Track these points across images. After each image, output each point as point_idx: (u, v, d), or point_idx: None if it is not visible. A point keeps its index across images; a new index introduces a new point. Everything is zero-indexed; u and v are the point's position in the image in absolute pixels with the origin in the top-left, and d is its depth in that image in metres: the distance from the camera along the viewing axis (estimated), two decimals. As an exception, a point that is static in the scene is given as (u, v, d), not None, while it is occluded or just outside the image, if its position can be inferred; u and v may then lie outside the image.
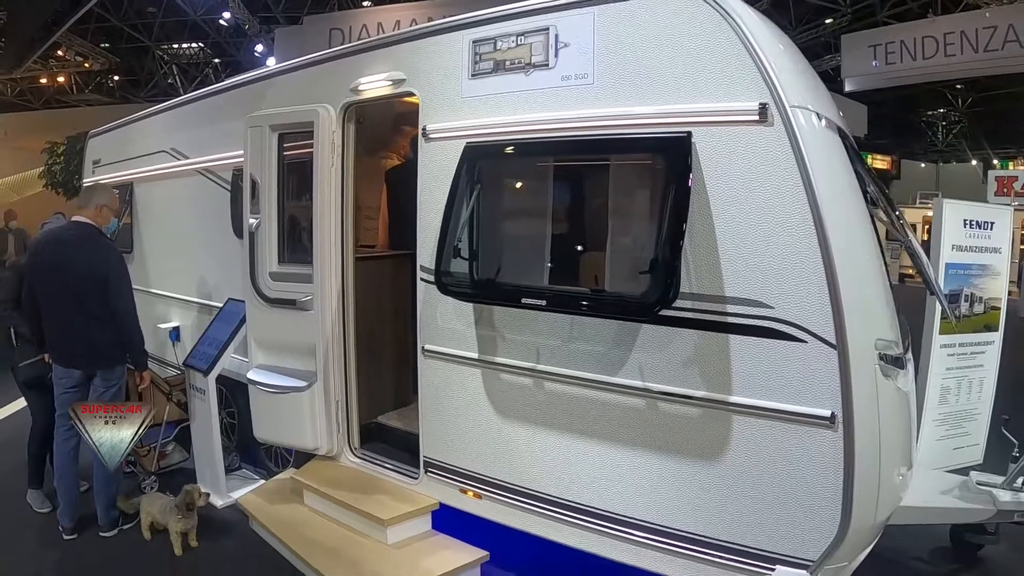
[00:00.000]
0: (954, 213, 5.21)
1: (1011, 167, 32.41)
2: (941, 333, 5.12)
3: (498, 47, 3.36)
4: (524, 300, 3.15)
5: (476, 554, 3.72)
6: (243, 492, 4.69)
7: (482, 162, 3.41)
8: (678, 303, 2.83)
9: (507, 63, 3.35)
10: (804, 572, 2.81)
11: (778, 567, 2.85)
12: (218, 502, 4.67)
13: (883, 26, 18.54)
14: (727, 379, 2.84)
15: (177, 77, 26.14)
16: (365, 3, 20.70)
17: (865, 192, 3.06)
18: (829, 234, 2.61)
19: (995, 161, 34.44)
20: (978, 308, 5.36)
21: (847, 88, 19.22)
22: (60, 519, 4.29)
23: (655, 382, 2.99)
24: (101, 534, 4.27)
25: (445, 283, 3.42)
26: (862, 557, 3.10)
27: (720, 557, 2.96)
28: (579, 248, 3.51)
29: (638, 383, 3.03)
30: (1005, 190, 29.76)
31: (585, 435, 3.23)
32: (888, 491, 2.90)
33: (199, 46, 24.76)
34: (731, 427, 2.86)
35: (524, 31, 3.28)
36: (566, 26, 3.17)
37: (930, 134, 35.56)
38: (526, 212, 3.68)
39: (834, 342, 2.63)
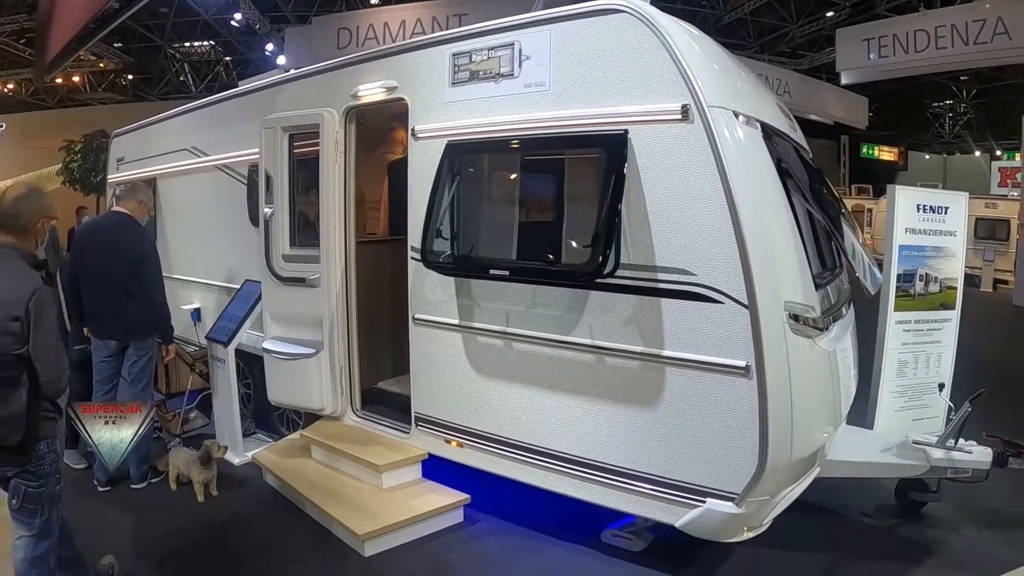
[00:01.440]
0: (907, 198, 5.62)
1: (1017, 158, 32.45)
2: (896, 310, 5.52)
3: (473, 59, 3.95)
4: (491, 271, 3.75)
5: (458, 496, 4.29)
6: (256, 451, 5.28)
7: (460, 157, 4.01)
8: (619, 272, 3.40)
9: (480, 73, 3.93)
10: (731, 504, 3.32)
11: (708, 499, 3.37)
12: (235, 460, 5.26)
13: (881, 19, 18.89)
14: (660, 336, 3.40)
15: (189, 75, 26.70)
16: (373, 1, 21.20)
17: (786, 179, 3.58)
18: (740, 213, 3.15)
19: (999, 152, 34.47)
20: (933, 287, 5.72)
21: (843, 81, 19.54)
22: (96, 473, 4.84)
23: (602, 340, 3.57)
24: (132, 486, 4.81)
25: (429, 260, 4.02)
26: (787, 496, 3.60)
27: (662, 491, 3.50)
28: (540, 227, 4.08)
29: (588, 341, 3.61)
30: (1009, 181, 29.89)
31: (546, 387, 3.81)
32: (803, 434, 3.40)
33: (210, 44, 25.30)
34: (664, 377, 3.42)
35: (494, 46, 3.87)
36: (528, 41, 3.76)
37: (936, 126, 35.57)
38: (496, 198, 4.27)
39: (746, 303, 3.17)
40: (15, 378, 2.69)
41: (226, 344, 5.19)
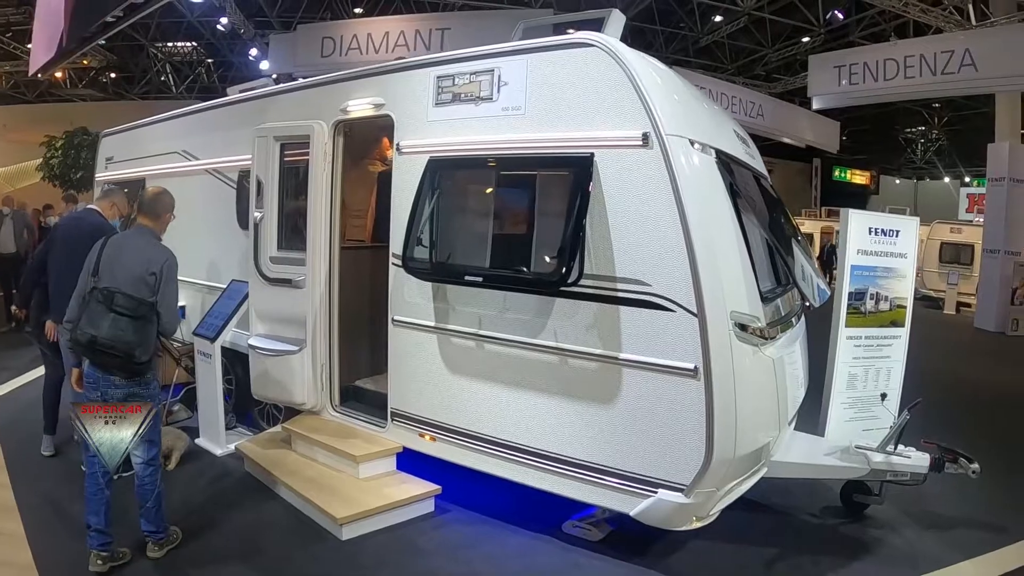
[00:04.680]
0: (859, 221, 5.99)
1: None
2: (847, 326, 5.87)
3: (456, 82, 4.30)
4: (467, 278, 4.09)
5: (430, 487, 4.60)
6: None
7: (441, 172, 4.34)
8: (582, 281, 3.74)
9: (462, 95, 4.29)
10: (680, 494, 3.66)
11: (660, 490, 3.71)
12: (218, 451, 5.52)
13: (854, 47, 19.55)
14: (618, 340, 3.75)
15: (170, 75, 26.82)
16: (357, 10, 21.52)
17: (737, 202, 3.94)
18: (692, 231, 3.52)
19: (967, 179, 35.37)
20: (884, 306, 6.05)
21: (815, 106, 20.08)
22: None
23: (566, 343, 3.91)
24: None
25: (410, 266, 4.33)
26: (734, 490, 3.93)
27: (619, 483, 3.83)
28: (512, 239, 4.39)
29: (553, 343, 3.95)
30: (976, 207, 30.72)
31: (514, 385, 4.14)
32: (746, 432, 3.72)
33: (193, 46, 25.45)
34: (621, 377, 3.77)
35: (476, 71, 4.23)
36: (507, 69, 4.12)
37: (908, 151, 36.41)
38: (473, 211, 4.60)
39: (695, 311, 3.53)
40: (150, 316, 3.75)
41: (213, 340, 5.45)
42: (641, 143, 3.63)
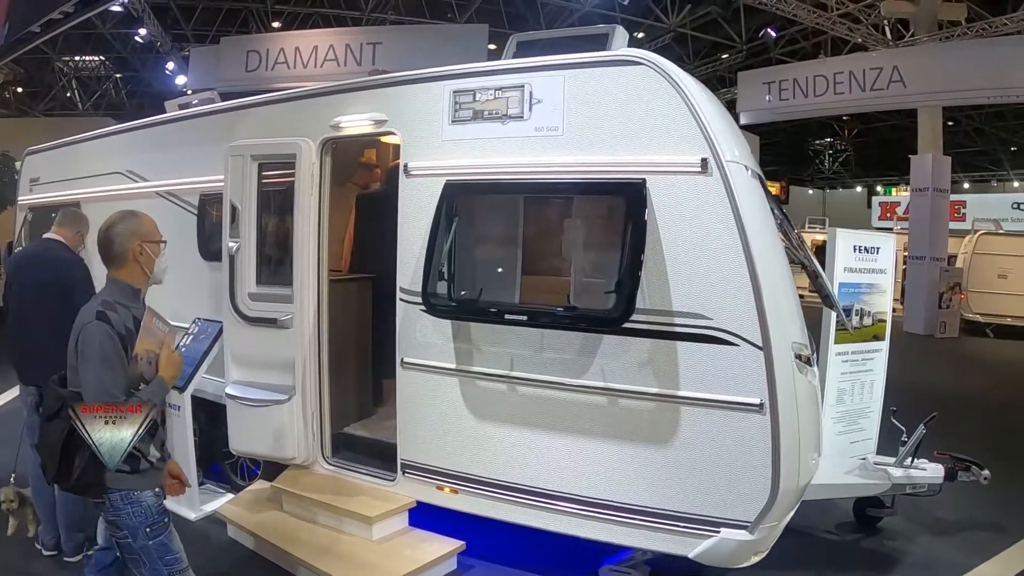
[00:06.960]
0: (845, 239, 6.00)
1: (894, 193, 35.17)
2: (836, 343, 5.85)
3: (477, 98, 3.90)
4: (507, 316, 3.69)
5: (454, 544, 4.15)
6: (214, 504, 4.90)
7: (463, 198, 3.92)
8: (634, 316, 3.44)
9: (485, 113, 3.89)
10: (744, 531, 3.44)
11: (722, 529, 3.47)
12: (191, 515, 4.85)
13: (777, 64, 20.15)
14: (675, 377, 3.47)
15: (76, 91, 25.28)
16: (275, 24, 20.80)
17: (777, 223, 3.76)
18: (755, 260, 3.29)
19: (879, 187, 37.23)
20: (867, 321, 6.10)
21: (742, 121, 20.54)
22: (40, 537, 4.32)
23: (615, 382, 3.59)
24: (66, 559, 4.20)
25: (432, 302, 3.88)
26: (788, 519, 3.76)
27: (675, 525, 3.56)
28: (547, 271, 4.07)
29: (601, 383, 3.62)
30: (888, 215, 32.34)
31: (556, 429, 3.77)
32: (806, 462, 3.57)
33: (101, 60, 23.97)
34: (680, 416, 3.49)
35: (502, 86, 3.84)
36: (540, 85, 3.76)
37: (818, 162, 38.02)
38: (502, 241, 4.20)
39: (760, 344, 3.30)
40: (57, 411, 2.66)
41: (182, 389, 4.80)
42: (700, 169, 3.38)
